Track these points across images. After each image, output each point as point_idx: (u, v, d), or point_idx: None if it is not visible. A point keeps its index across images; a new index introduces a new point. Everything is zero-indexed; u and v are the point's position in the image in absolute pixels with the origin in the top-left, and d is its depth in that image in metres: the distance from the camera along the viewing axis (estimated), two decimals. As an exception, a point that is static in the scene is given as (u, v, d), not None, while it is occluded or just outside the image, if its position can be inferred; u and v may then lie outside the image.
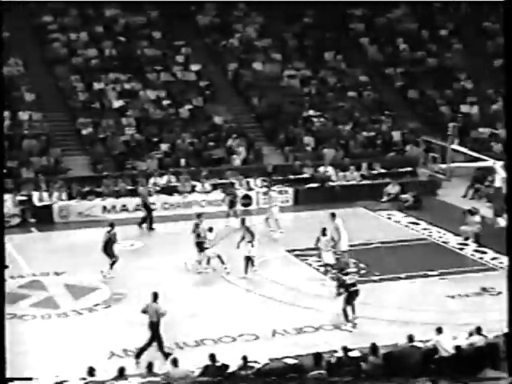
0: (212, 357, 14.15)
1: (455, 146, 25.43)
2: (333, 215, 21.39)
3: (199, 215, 21.92)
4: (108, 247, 20.49)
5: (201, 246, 20.84)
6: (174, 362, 14.00)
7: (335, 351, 14.93)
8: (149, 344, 15.73)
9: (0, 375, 9.58)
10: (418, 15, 39.26)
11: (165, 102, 32.52)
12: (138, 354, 15.56)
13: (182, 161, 29.69)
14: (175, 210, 26.84)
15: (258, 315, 18.04)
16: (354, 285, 17.55)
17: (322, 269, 20.69)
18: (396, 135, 32.80)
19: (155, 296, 15.96)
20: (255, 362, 14.66)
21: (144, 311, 15.92)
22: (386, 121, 33.40)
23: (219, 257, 20.70)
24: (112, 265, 20.49)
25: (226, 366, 14.20)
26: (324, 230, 20.61)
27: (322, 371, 13.99)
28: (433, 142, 26.00)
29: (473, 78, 36.65)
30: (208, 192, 27.52)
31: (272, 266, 21.04)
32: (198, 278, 20.48)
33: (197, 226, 21.18)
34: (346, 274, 17.76)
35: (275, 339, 16.78)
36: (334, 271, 20.02)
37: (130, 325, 17.28)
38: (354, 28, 38.48)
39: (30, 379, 12.11)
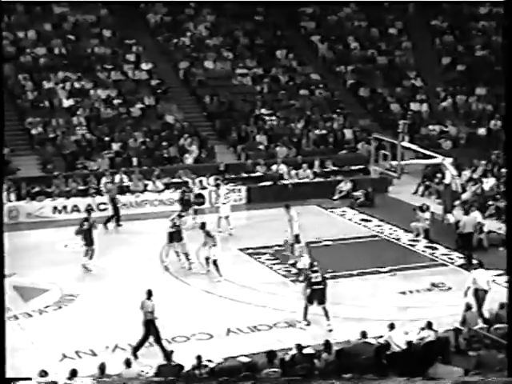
0: (167, 356, 14.09)
1: (405, 144, 25.69)
2: (287, 206, 21.67)
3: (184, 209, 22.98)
4: (89, 235, 20.63)
5: (171, 237, 20.95)
6: (127, 363, 13.90)
7: (289, 349, 14.99)
8: (158, 341, 15.78)
9: (0, 375, 9.48)
10: (368, 14, 39.60)
11: (116, 101, 32.26)
12: (166, 354, 15.36)
13: (134, 160, 29.49)
14: (127, 209, 26.61)
15: (212, 314, 18.00)
16: (319, 283, 17.30)
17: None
18: (348, 133, 33.06)
19: (149, 293, 15.99)
20: (209, 361, 14.65)
21: (141, 308, 15.96)
22: (337, 119, 33.65)
23: (186, 254, 20.76)
24: (87, 253, 20.66)
25: (180, 366, 14.16)
26: (297, 236, 20.21)
27: (275, 369, 14.03)
28: (384, 140, 26.22)
29: (422, 76, 37.13)
30: (160, 191, 27.38)
31: (225, 264, 20.96)
32: (151, 278, 20.32)
33: (179, 216, 21.44)
34: (315, 271, 17.52)
35: (229, 338, 16.77)
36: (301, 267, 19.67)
37: (82, 326, 17.12)
38: (304, 26, 38.65)
39: (30, 379, 12.03)
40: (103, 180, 27.02)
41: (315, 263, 17.91)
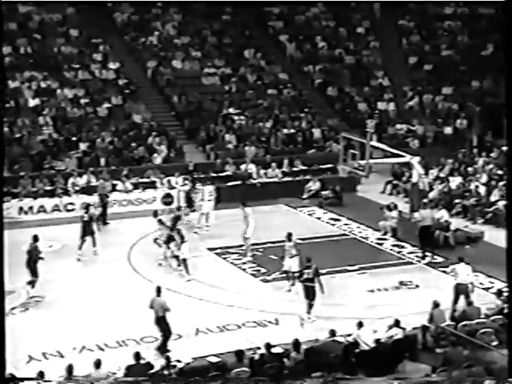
0: (137, 355, 14.01)
1: (373, 143, 25.83)
2: (243, 204, 22.06)
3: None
4: (88, 226, 21.51)
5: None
6: (97, 364, 13.79)
7: (258, 348, 15.00)
8: (165, 339, 15.80)
9: (0, 375, 9.43)
10: (336, 14, 39.75)
11: (83, 101, 32.02)
12: (163, 352, 15.45)
13: (102, 160, 29.30)
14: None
15: (181, 314, 17.87)
16: (310, 280, 17.35)
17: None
18: (316, 132, 33.16)
19: (159, 290, 16.09)
20: (178, 361, 14.61)
21: (151, 306, 15.98)
22: (305, 118, 33.74)
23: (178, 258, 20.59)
24: (81, 247, 21.54)
25: (149, 366, 14.09)
26: (290, 235, 19.79)
27: (245, 369, 14.04)
28: (352, 139, 26.34)
29: (389, 75, 37.37)
30: (129, 191, 27.22)
31: (193, 264, 20.91)
32: (119, 279, 20.22)
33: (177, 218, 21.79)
34: (308, 267, 17.49)
35: (198, 338, 16.73)
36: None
37: (49, 328, 16.98)
38: (272, 26, 38.69)
39: (31, 379, 11.92)
40: (70, 180, 26.87)
41: (311, 259, 17.73)
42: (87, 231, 21.49)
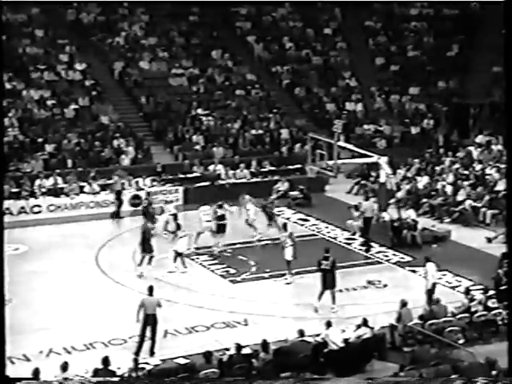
0: (105, 360, 13.89)
1: (341, 143, 25.93)
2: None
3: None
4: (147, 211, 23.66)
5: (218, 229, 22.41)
6: (64, 368, 13.67)
7: (227, 349, 14.98)
8: (153, 338, 15.90)
9: (1, 375, 9.34)
10: (303, 14, 39.84)
11: (49, 102, 31.73)
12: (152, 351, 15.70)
13: (69, 161, 29.06)
14: (62, 212, 26.22)
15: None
16: (328, 271, 17.97)
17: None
18: (284, 133, 33.21)
19: (151, 290, 16.20)
20: (146, 363, 14.55)
21: (141, 306, 15.97)
22: (273, 118, 33.77)
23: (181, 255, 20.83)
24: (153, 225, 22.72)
25: (116, 369, 13.99)
26: (285, 225, 20.69)
27: (214, 370, 14.01)
28: (320, 139, 26.42)
29: (356, 76, 37.54)
30: (96, 193, 27.03)
31: (162, 265, 20.83)
32: (87, 281, 20.07)
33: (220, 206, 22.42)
34: (326, 258, 18.14)
35: (167, 340, 16.64)
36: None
37: (17, 332, 16.70)
38: (240, 26, 38.68)
39: (33, 379, 11.79)
40: (37, 182, 26.64)
41: (329, 251, 18.43)
42: (148, 216, 22.98)
